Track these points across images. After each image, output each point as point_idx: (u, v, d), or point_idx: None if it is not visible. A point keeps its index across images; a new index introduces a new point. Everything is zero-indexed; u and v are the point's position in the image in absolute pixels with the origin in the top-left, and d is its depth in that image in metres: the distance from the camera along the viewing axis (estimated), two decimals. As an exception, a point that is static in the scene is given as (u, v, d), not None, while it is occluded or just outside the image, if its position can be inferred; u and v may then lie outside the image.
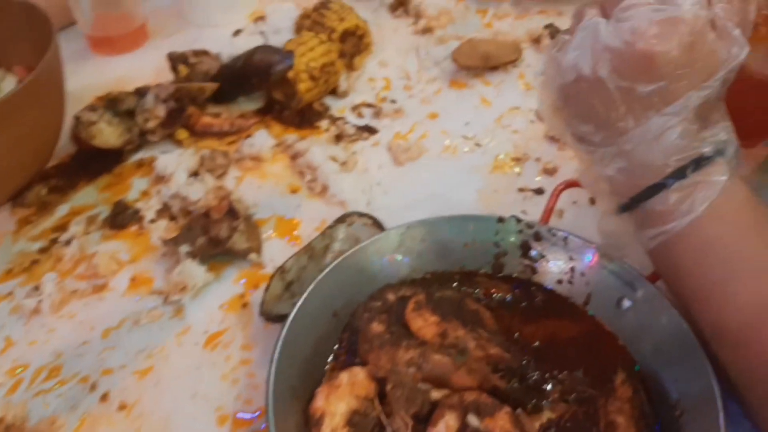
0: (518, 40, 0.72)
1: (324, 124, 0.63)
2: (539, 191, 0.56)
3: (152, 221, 0.55)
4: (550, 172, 0.57)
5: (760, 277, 0.36)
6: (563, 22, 0.75)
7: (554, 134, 0.43)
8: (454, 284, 0.46)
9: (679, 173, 0.37)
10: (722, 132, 0.38)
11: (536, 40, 0.72)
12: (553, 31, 0.72)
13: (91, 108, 0.60)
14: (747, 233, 0.37)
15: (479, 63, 0.67)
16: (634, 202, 0.39)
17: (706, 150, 0.37)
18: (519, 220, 0.47)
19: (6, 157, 0.52)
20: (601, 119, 0.38)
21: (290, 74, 0.61)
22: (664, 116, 0.36)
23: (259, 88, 0.63)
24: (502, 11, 0.77)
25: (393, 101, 0.65)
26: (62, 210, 0.55)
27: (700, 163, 0.37)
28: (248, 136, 0.61)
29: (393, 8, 0.78)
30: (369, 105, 0.65)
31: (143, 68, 0.70)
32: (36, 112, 0.52)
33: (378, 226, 0.51)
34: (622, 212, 0.40)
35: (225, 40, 0.72)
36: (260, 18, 0.73)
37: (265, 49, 0.63)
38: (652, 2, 0.36)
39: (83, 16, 0.70)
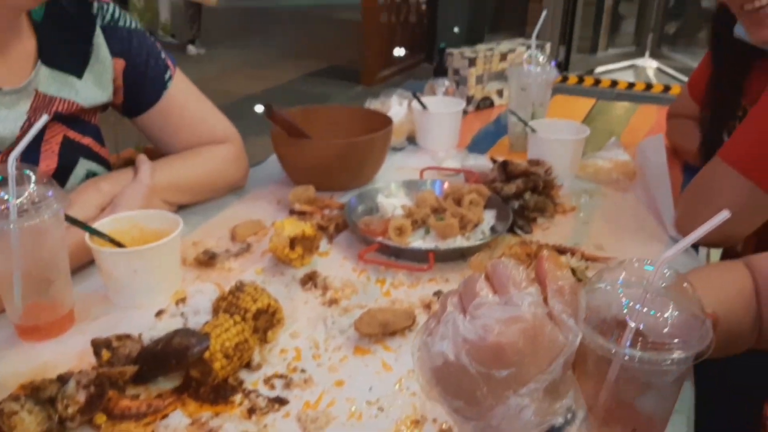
0: (412, 306, 0.83)
1: (237, 398, 0.68)
2: (436, 452, 0.61)
3: None
4: None
5: None
6: (450, 287, 0.87)
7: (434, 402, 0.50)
8: None
9: None
10: (571, 401, 0.46)
11: (427, 306, 0.83)
12: (441, 296, 0.84)
13: (14, 398, 0.63)
14: None
15: (378, 331, 0.76)
16: None
17: (558, 421, 0.44)
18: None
19: None
20: (469, 397, 0.46)
21: (206, 354, 0.67)
22: (519, 396, 0.44)
23: (177, 368, 0.69)
24: (398, 281, 0.89)
25: (303, 371, 0.72)
26: None
27: None
28: (164, 416, 0.65)
29: (303, 282, 0.89)
30: (281, 376, 0.71)
31: (68, 353, 0.74)
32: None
33: (287, 501, 0.54)
34: None
35: (148, 321, 0.79)
36: (182, 300, 0.81)
37: (184, 332, 0.70)
38: (498, 302, 0.47)
39: (14, 306, 0.76)
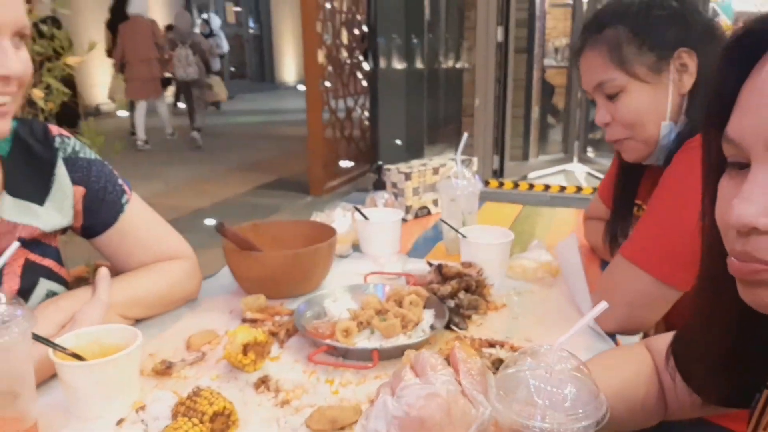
0: (359, 402, 0.90)
1: (197, 497, 0.72)
2: None
3: None
4: None
5: None
6: (394, 384, 0.95)
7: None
8: None
9: None
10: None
11: (373, 401, 0.90)
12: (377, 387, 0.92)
13: None
14: None
15: (328, 426, 0.82)
16: None
17: None
18: None
19: None
20: None
21: (168, 456, 0.72)
22: None
23: (140, 471, 0.73)
24: (346, 379, 0.96)
25: (258, 468, 0.77)
26: None
27: None
28: None
29: (257, 386, 0.95)
30: (237, 474, 0.76)
31: (29, 465, 0.77)
32: None
33: None
34: None
35: (109, 431, 0.83)
36: (141, 408, 0.86)
37: (146, 436, 0.75)
38: (419, 383, 0.56)
39: (-23, 422, 0.79)
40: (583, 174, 5.99)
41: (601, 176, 5.61)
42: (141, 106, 7.81)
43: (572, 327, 1.15)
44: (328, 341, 1.04)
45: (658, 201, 1.09)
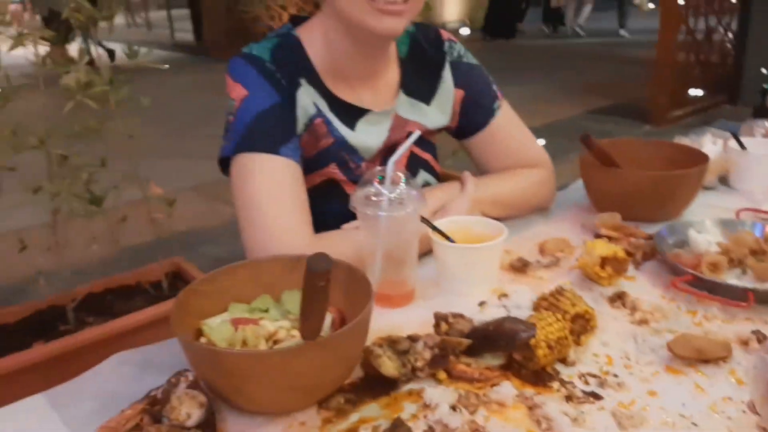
0: (728, 339, 0.83)
1: (555, 385, 0.76)
2: (756, 476, 0.62)
3: (421, 440, 0.70)
4: (766, 460, 0.64)
5: None
6: (770, 330, 0.85)
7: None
8: None
9: None
10: None
11: (745, 343, 0.82)
12: (760, 336, 0.83)
13: (378, 344, 0.80)
14: None
15: (693, 355, 0.78)
16: None
17: None
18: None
19: (326, 373, 0.72)
20: None
21: (532, 342, 0.77)
22: None
23: (504, 349, 0.80)
24: (711, 314, 0.90)
25: (615, 375, 0.78)
26: (354, 417, 0.72)
27: None
28: (493, 384, 0.76)
29: (612, 300, 0.95)
30: (593, 375, 0.78)
31: (410, 321, 0.91)
32: (351, 343, 0.74)
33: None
34: None
35: (471, 309, 0.92)
36: (503, 295, 0.93)
37: (513, 320, 0.81)
38: None
39: (375, 278, 0.95)
40: None
41: None
42: (570, 7, 10.82)
43: None
44: (692, 271, 0.97)
45: None
